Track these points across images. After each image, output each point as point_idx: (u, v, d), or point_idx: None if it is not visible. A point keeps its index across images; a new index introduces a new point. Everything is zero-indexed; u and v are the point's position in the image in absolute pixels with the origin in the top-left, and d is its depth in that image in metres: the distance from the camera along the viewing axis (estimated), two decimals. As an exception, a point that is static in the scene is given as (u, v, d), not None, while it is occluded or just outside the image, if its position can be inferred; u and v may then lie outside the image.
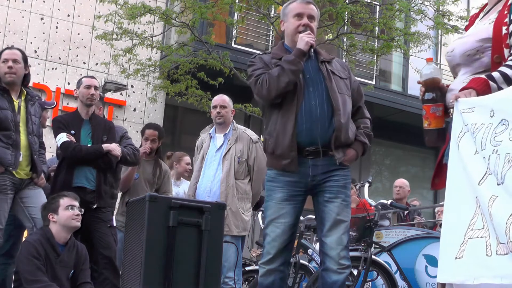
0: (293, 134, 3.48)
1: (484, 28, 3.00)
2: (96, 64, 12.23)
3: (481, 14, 3.17)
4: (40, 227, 4.48)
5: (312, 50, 3.56)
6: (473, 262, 2.58)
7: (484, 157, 2.60)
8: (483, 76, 2.84)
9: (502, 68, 2.82)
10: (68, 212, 4.42)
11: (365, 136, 3.68)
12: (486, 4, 3.19)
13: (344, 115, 3.54)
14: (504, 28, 2.89)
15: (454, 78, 3.21)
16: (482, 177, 2.59)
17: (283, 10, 3.77)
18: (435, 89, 3.09)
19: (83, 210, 4.54)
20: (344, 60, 12.62)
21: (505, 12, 2.92)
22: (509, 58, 2.84)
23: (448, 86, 3.18)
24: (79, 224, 4.48)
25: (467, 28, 3.23)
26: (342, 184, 3.56)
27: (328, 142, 3.50)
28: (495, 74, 2.82)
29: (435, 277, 3.24)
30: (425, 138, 3.15)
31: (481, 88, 2.77)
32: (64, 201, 4.45)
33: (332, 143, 3.51)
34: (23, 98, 4.74)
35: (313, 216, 5.45)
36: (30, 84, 4.99)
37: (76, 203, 4.51)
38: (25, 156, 4.60)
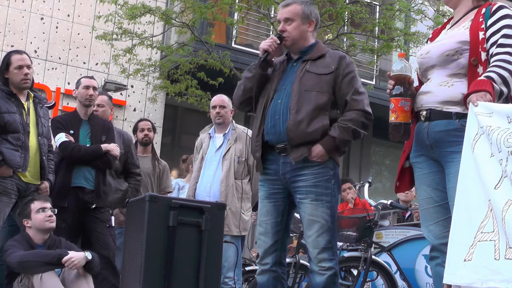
0: (258, 135, 3.56)
1: (460, 32, 3.08)
2: (96, 64, 12.22)
3: (448, 26, 3.26)
4: (20, 233, 4.53)
5: (266, 54, 3.54)
6: (481, 265, 2.57)
7: (501, 159, 2.60)
8: (482, 77, 2.86)
9: (495, 69, 2.87)
10: (40, 215, 4.43)
11: (338, 129, 3.46)
12: (451, 18, 3.29)
13: (301, 113, 3.44)
14: (481, 33, 3.00)
15: (421, 82, 3.24)
16: (499, 181, 2.58)
17: None
18: (404, 84, 3.11)
19: (56, 210, 4.54)
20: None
21: (480, 19, 3.04)
22: (494, 59, 2.91)
23: (417, 87, 3.22)
24: (53, 225, 4.48)
25: (431, 39, 3.28)
26: (311, 184, 3.46)
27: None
28: (493, 75, 2.85)
29: (435, 277, 3.24)
30: (390, 132, 3.16)
31: (491, 89, 2.79)
32: (35, 205, 4.47)
33: (288, 142, 3.47)
34: (31, 100, 4.78)
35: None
36: (30, 84, 5.01)
37: (47, 205, 4.50)
38: (33, 158, 4.62)
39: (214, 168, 5.22)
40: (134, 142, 6.03)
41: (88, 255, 4.29)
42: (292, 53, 3.70)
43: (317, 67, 3.58)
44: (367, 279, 5.06)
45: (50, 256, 4.22)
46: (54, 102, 7.14)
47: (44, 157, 4.70)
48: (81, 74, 11.02)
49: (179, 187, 6.75)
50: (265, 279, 3.56)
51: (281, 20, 3.66)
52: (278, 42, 3.58)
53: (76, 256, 4.23)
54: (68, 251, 4.29)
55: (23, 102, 4.71)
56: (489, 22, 3.02)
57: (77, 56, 12.33)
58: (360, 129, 3.52)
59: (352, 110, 3.52)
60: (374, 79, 13.71)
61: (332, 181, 3.51)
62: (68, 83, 12.01)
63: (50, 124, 5.05)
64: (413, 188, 3.49)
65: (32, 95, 4.83)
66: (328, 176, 3.50)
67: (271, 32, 12.55)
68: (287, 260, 5.23)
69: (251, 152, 3.70)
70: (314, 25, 3.68)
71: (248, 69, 3.66)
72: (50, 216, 4.46)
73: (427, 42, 3.39)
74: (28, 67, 4.71)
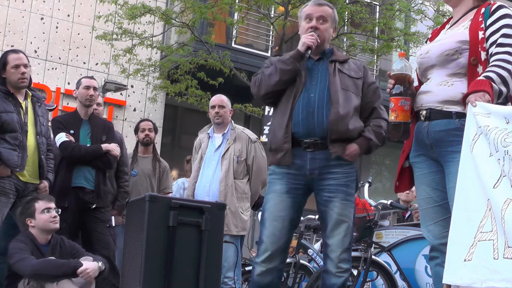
0: (288, 126, 3.45)
1: (460, 32, 3.09)
2: (96, 64, 12.23)
3: (447, 26, 3.26)
4: (22, 231, 4.48)
5: (309, 51, 3.50)
6: (481, 265, 2.58)
7: (498, 159, 2.61)
8: (481, 77, 2.87)
9: (495, 69, 2.87)
10: (44, 216, 4.38)
11: (373, 133, 3.54)
12: (451, 18, 3.29)
13: (343, 109, 3.44)
14: (480, 32, 3.00)
15: (421, 81, 3.24)
16: (497, 180, 2.58)
17: (299, 13, 3.76)
18: (404, 83, 3.12)
19: (60, 210, 4.50)
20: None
21: (480, 19, 3.04)
22: (494, 59, 2.92)
23: (417, 87, 3.22)
24: (57, 226, 4.43)
25: (431, 39, 3.29)
26: (342, 182, 3.44)
27: (325, 136, 3.43)
28: (492, 75, 2.85)
29: (435, 277, 3.24)
30: (390, 132, 3.18)
31: (490, 90, 2.79)
32: (40, 205, 4.40)
33: (328, 135, 3.43)
34: (29, 99, 4.78)
35: (313, 216, 5.47)
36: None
37: (52, 205, 4.45)
38: (31, 157, 4.62)
39: (213, 168, 5.22)
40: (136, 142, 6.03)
41: (102, 266, 4.24)
42: (312, 53, 3.63)
43: (347, 70, 3.61)
44: (367, 279, 5.06)
45: (65, 268, 4.14)
46: (55, 105, 7.15)
47: (42, 156, 4.69)
48: (81, 74, 11.03)
49: (184, 187, 6.74)
50: (269, 279, 3.42)
51: (314, 17, 3.60)
52: (319, 40, 3.55)
53: (91, 268, 4.16)
54: (82, 262, 4.20)
55: (21, 101, 4.70)
56: (489, 21, 3.03)
57: (77, 56, 12.34)
58: (386, 138, 3.59)
59: (380, 118, 3.61)
60: (374, 79, 13.70)
61: (355, 182, 3.55)
62: (68, 83, 12.02)
63: (50, 124, 5.05)
64: (414, 188, 3.50)
65: (30, 94, 4.82)
66: (354, 177, 3.53)
67: (271, 32, 12.57)
68: (287, 260, 5.25)
69: (273, 144, 3.53)
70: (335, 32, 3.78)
71: (284, 62, 3.51)
72: (54, 217, 4.43)
73: (426, 42, 3.40)
74: (25, 66, 4.70)
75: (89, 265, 4.18)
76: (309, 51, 3.51)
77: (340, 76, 3.56)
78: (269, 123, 9.75)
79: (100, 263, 4.23)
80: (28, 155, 4.59)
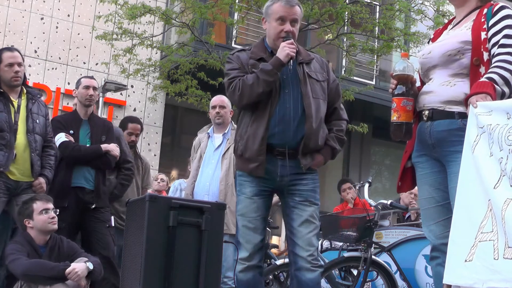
0: (264, 138, 3.50)
1: (462, 33, 3.10)
2: (96, 64, 12.22)
3: (449, 26, 3.27)
4: (20, 232, 4.46)
5: (291, 60, 3.49)
6: (482, 265, 2.59)
7: (501, 157, 2.61)
8: (483, 79, 2.87)
9: (497, 70, 2.88)
10: (43, 217, 4.34)
11: (336, 140, 3.67)
12: (453, 18, 3.30)
13: (316, 122, 3.53)
14: (483, 33, 3.02)
15: (423, 82, 3.24)
16: (498, 181, 2.59)
17: (265, 9, 3.67)
18: (407, 84, 3.13)
19: (58, 211, 4.46)
20: (344, 60, 12.63)
21: (482, 19, 3.05)
22: (496, 60, 2.93)
23: (419, 87, 3.22)
24: (56, 227, 4.39)
25: (433, 40, 3.30)
26: (311, 188, 3.59)
27: (297, 146, 3.52)
28: (495, 76, 2.85)
29: (435, 277, 3.24)
30: (392, 132, 3.18)
31: (492, 91, 2.80)
32: (38, 206, 4.36)
33: (300, 149, 3.52)
34: (23, 97, 4.75)
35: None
36: (30, 84, 4.98)
37: (50, 205, 4.41)
38: (21, 155, 4.59)
39: (213, 167, 5.22)
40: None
41: (90, 265, 4.19)
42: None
43: (314, 72, 3.63)
44: (367, 279, 5.06)
45: (55, 271, 4.11)
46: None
47: (33, 154, 4.64)
48: (81, 74, 11.02)
49: (181, 188, 6.73)
50: (251, 275, 3.58)
51: (288, 19, 3.56)
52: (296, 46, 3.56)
53: (78, 268, 4.15)
54: (70, 263, 4.18)
55: (14, 99, 4.67)
56: (491, 22, 3.03)
57: (77, 56, 12.34)
58: (345, 140, 3.81)
59: (341, 120, 3.76)
60: (374, 79, 13.71)
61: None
62: (68, 83, 12.02)
63: (49, 123, 5.02)
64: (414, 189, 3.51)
65: (25, 92, 4.79)
66: (318, 183, 3.67)
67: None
68: (287, 260, 5.25)
69: (246, 153, 3.54)
70: None
71: (267, 73, 3.46)
72: (53, 217, 4.41)
73: (428, 42, 3.40)
74: (19, 64, 4.67)
75: (77, 265, 4.16)
76: (291, 61, 3.51)
77: (310, 82, 3.58)
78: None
79: (88, 263, 4.20)
80: (18, 154, 4.56)
